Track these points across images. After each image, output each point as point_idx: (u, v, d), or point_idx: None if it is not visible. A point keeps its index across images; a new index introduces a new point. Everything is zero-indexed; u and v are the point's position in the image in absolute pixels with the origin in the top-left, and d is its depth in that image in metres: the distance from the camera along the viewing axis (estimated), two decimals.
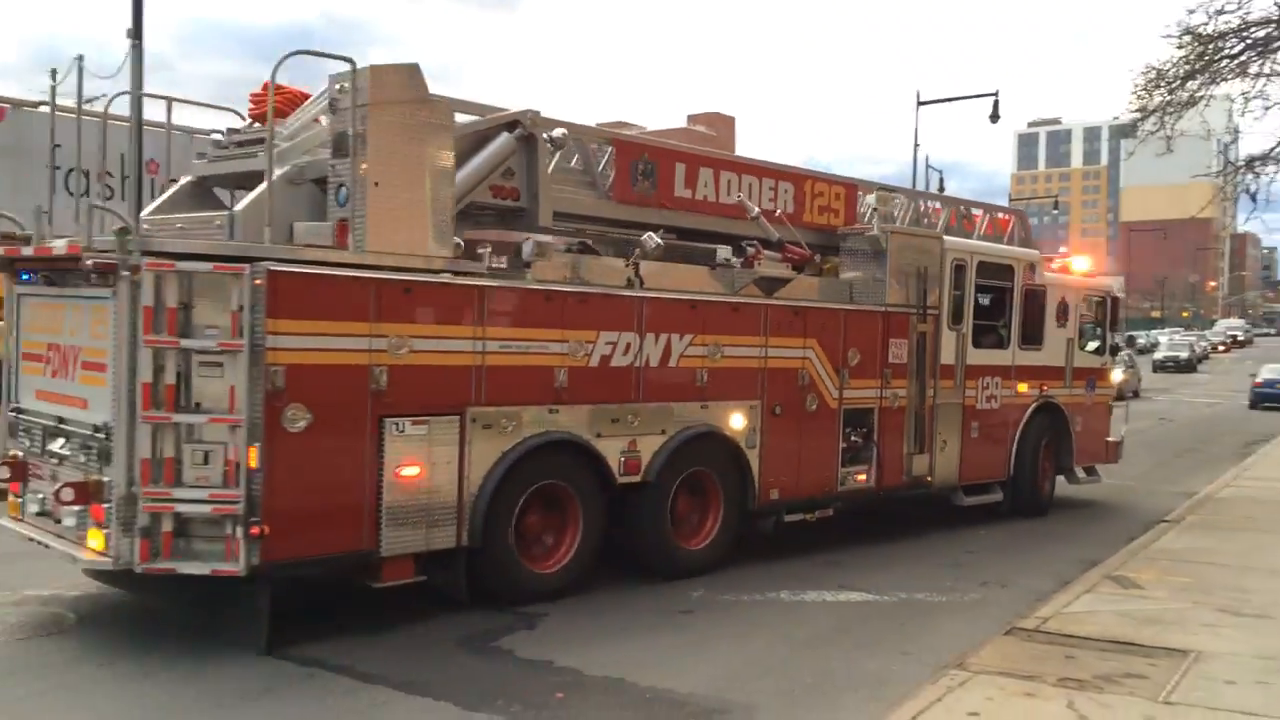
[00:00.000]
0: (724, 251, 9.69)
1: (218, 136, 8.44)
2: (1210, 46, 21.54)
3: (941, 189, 48.91)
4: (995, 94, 35.65)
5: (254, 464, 6.55)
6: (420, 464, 7.35)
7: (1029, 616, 8.36)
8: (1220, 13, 21.44)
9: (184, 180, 8.52)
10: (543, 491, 8.26)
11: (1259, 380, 38.42)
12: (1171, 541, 11.75)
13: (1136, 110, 22.88)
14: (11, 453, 7.71)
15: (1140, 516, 14.02)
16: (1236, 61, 21.68)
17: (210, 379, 6.55)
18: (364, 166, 7.08)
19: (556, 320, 8.23)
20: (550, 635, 7.92)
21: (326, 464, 6.90)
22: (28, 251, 7.30)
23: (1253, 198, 23.76)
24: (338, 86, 7.32)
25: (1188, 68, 21.74)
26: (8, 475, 7.62)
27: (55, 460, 7.22)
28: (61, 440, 7.17)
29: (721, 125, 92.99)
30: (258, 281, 6.56)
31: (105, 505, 6.62)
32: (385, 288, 7.12)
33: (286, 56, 7.15)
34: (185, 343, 6.57)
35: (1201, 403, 38.88)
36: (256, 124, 8.34)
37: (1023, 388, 12.89)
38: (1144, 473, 19.43)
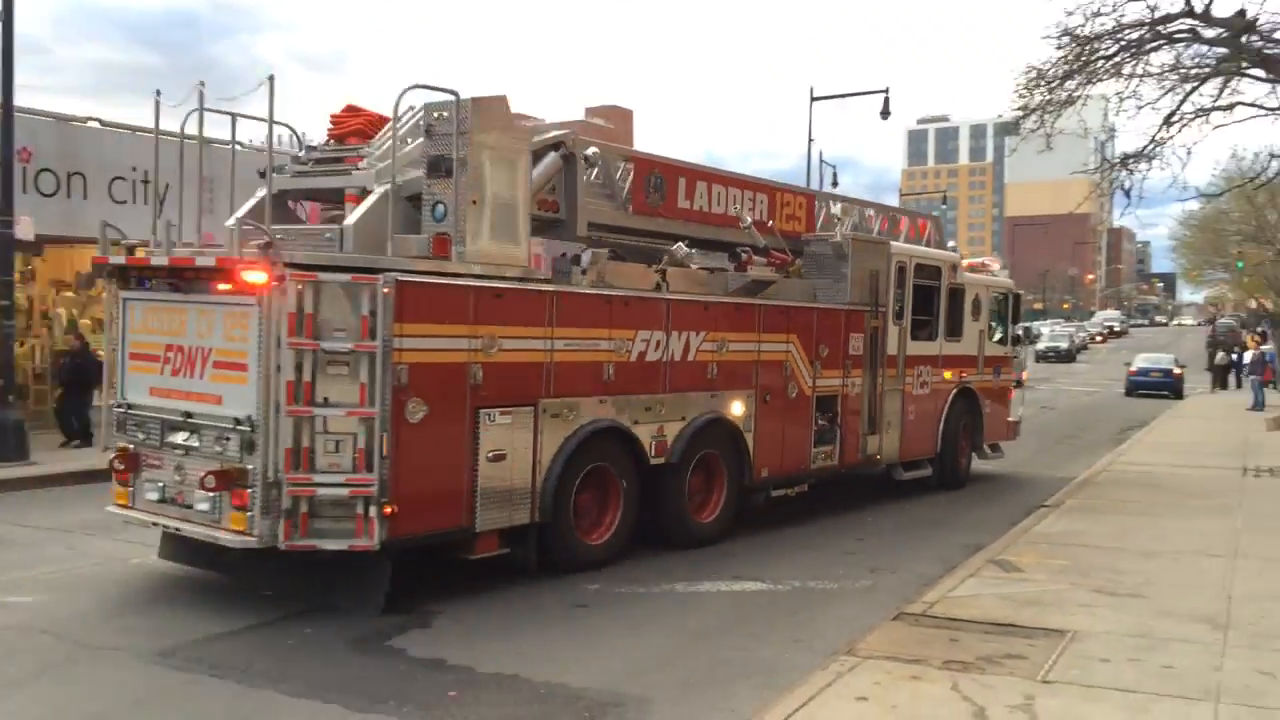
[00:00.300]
0: (681, 250, 10.79)
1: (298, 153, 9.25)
2: (1087, 48, 22.34)
3: (835, 183, 49.72)
4: (885, 91, 36.37)
5: (385, 451, 7.35)
6: (506, 450, 8.40)
7: (916, 601, 8.55)
8: (1096, 15, 22.27)
9: (261, 193, 8.63)
10: (592, 473, 9.39)
11: (1133, 369, 40.61)
12: (1051, 525, 12.16)
13: (1018, 109, 23.61)
14: (121, 445, 8.16)
15: (1023, 501, 14.49)
16: (1111, 62, 22.53)
17: (337, 377, 7.32)
18: (465, 187, 8.12)
19: (606, 321, 9.47)
20: (444, 633, 7.81)
21: (438, 450, 7.87)
22: (160, 261, 7.94)
23: (1127, 194, 24.74)
24: (435, 115, 8.24)
25: (1066, 68, 22.51)
26: (121, 467, 8.11)
27: (180, 451, 7.79)
28: (186, 433, 7.72)
29: (619, 118, 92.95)
30: (386, 291, 7.37)
31: (249, 490, 7.25)
32: (482, 294, 8.13)
33: (407, 90, 8.03)
34: (324, 344, 7.29)
35: (1080, 391, 40.47)
36: (333, 143, 9.08)
37: (947, 375, 14.66)
38: (1027, 458, 20.08)
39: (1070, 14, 22.51)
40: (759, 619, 8.48)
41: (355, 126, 8.97)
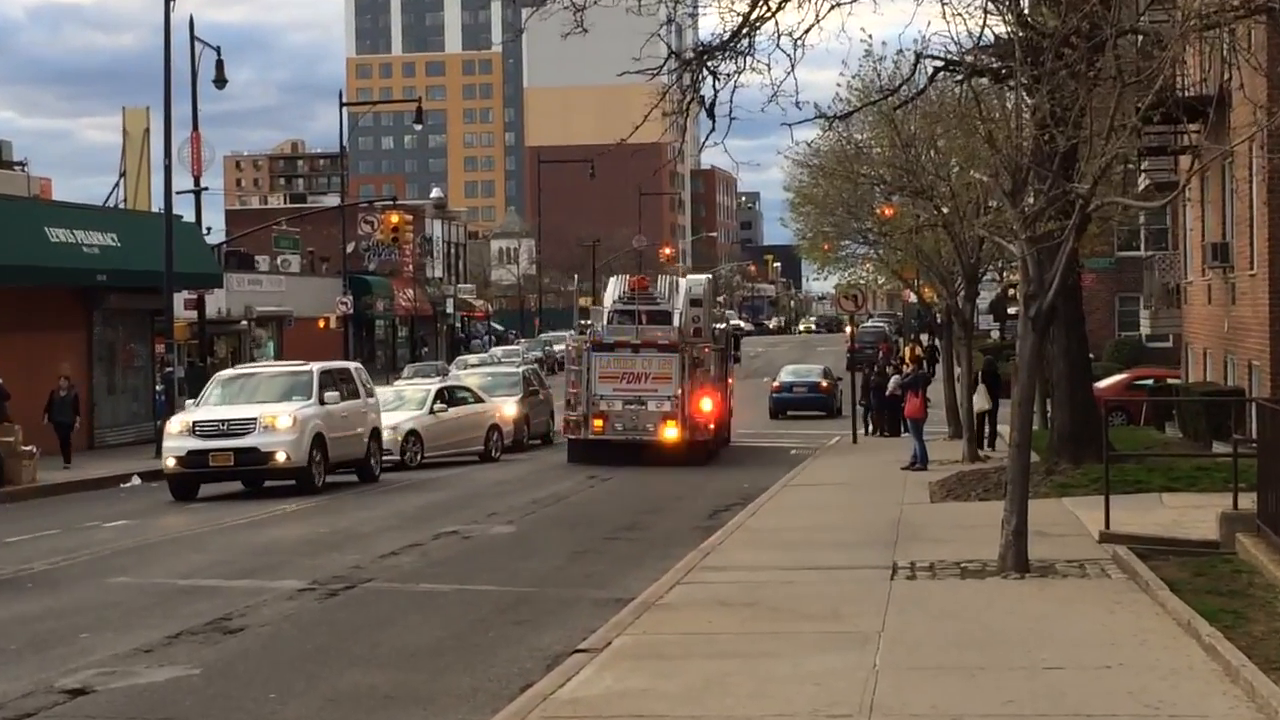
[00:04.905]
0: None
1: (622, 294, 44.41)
2: None
3: (221, 80, 50.07)
4: None
5: (714, 406, 43.94)
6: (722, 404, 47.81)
7: None
8: None
9: (607, 310, 43.52)
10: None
11: (777, 384, 62.56)
12: (588, 685, 12.85)
13: None
14: (594, 409, 40.73)
15: (545, 645, 15.32)
16: None
17: (702, 379, 42.09)
18: (705, 313, 45.83)
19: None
20: None
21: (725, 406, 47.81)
22: (636, 340, 41.23)
23: (710, 112, 26.71)
24: (694, 289, 45.63)
25: None
26: (600, 421, 40.24)
27: (634, 407, 40.40)
28: (637, 404, 40.38)
29: None
30: (706, 349, 43.82)
31: (676, 420, 40.19)
32: (709, 348, 45.25)
33: (688, 276, 50.96)
34: (699, 370, 42.72)
35: None
36: (635, 291, 43.70)
37: (731, 380, 50.16)
38: (557, 570, 21.17)
39: None
40: None
41: (645, 285, 45.01)
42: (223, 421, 32.44)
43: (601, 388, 40.05)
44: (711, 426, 42.01)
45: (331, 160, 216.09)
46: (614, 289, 45.11)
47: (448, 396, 44.27)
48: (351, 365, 40.45)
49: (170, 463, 32.57)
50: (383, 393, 46.08)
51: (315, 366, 35.91)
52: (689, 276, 48.53)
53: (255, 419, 32.31)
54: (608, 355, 40.48)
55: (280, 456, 32.08)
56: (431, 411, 42.22)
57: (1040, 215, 19.33)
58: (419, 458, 40.53)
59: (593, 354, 40.53)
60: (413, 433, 40.80)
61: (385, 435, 38.53)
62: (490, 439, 43.97)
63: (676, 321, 42.11)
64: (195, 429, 32.46)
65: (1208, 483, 24.67)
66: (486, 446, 43.55)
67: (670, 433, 39.71)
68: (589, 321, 46.13)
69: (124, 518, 29.15)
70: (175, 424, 33.48)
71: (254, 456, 32.13)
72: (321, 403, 33.45)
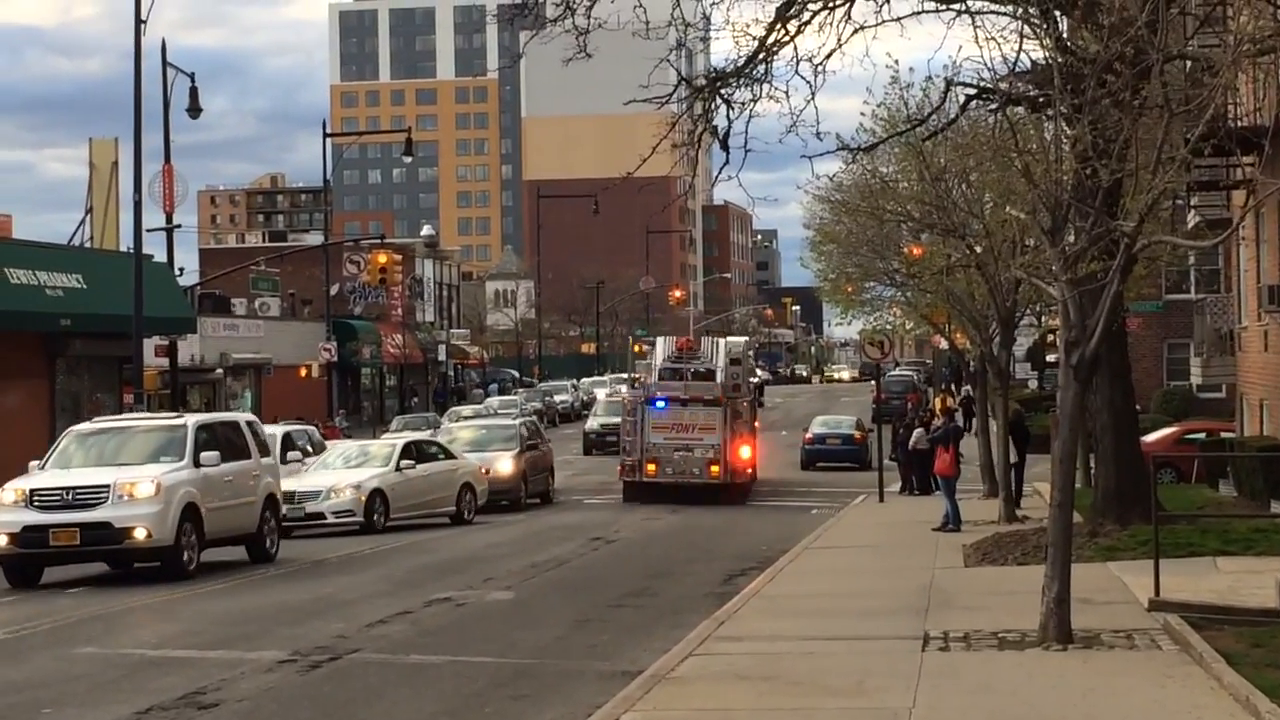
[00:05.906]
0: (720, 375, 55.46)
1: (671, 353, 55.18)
2: None
3: (195, 108, 50.20)
4: None
5: (750, 451, 56.44)
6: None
7: None
8: None
9: (658, 368, 53.04)
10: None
11: (810, 435, 66.79)
12: None
13: None
14: (647, 455, 51.32)
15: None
16: None
17: (740, 429, 53.32)
18: (743, 370, 58.22)
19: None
20: None
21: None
22: (684, 396, 51.65)
23: (723, 143, 26.81)
24: (731, 350, 56.75)
25: None
26: (653, 466, 50.56)
27: (683, 454, 50.86)
28: (684, 451, 50.86)
29: None
30: (744, 403, 56.82)
31: (720, 465, 50.62)
32: (739, 400, 57.29)
33: (729, 339, 62.38)
34: (736, 420, 53.55)
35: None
36: (682, 351, 54.50)
37: (758, 426, 61.98)
38: (559, 640, 21.07)
39: None
40: None
41: (691, 346, 56.82)
42: (66, 490, 28.33)
43: (654, 436, 50.15)
44: (749, 471, 53.08)
45: (314, 195, 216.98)
46: (663, 349, 55.13)
47: (415, 452, 42.49)
48: (242, 418, 36.00)
49: (1, 541, 28.26)
50: (347, 447, 46.13)
51: (191, 420, 32.17)
52: (729, 339, 63.40)
53: (109, 486, 28.22)
54: (659, 408, 50.88)
55: (139, 533, 27.97)
56: (398, 469, 40.49)
57: (1082, 255, 19.24)
58: (384, 520, 38.78)
59: (646, 407, 50.81)
60: (377, 492, 38.90)
61: (347, 495, 38.27)
62: (463, 499, 42.09)
63: (719, 379, 51.87)
64: (33, 499, 28.26)
65: (1266, 545, 24.63)
66: (459, 507, 41.81)
67: (714, 476, 49.57)
68: (638, 375, 55.52)
69: (87, 583, 29.05)
70: (9, 492, 28.97)
71: (106, 534, 28.07)
72: (196, 465, 29.37)
